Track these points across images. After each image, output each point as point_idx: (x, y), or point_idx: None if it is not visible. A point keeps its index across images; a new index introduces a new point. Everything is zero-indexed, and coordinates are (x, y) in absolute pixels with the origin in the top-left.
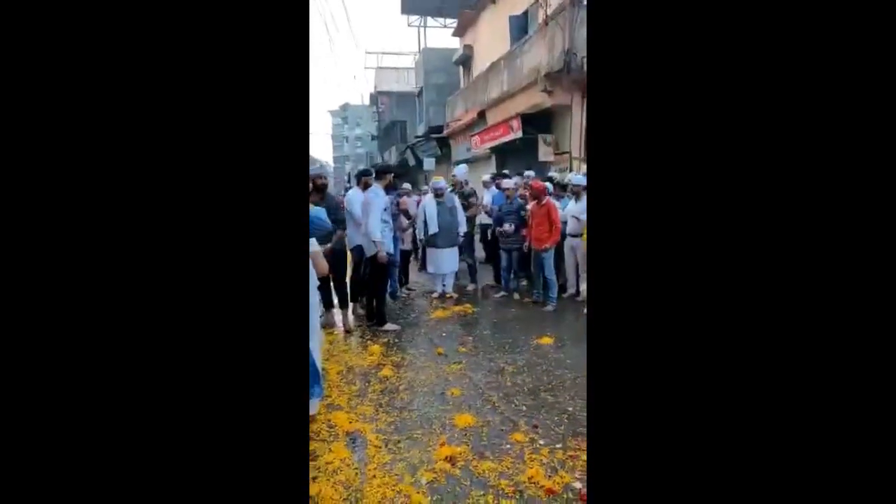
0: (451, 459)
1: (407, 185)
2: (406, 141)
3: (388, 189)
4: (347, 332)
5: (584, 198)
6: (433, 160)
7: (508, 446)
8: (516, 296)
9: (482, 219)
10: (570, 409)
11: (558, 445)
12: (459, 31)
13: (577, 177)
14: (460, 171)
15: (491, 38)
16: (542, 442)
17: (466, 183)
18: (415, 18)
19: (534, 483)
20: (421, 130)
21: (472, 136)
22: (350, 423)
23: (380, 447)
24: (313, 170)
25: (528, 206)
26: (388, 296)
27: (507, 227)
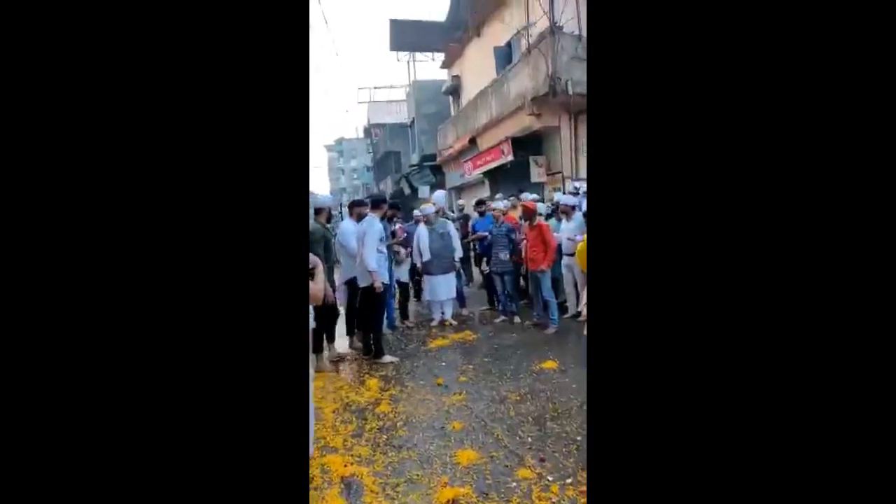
0: (453, 502)
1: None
2: (401, 170)
3: (385, 219)
4: (335, 361)
5: (574, 216)
6: (427, 188)
7: (514, 484)
8: (517, 319)
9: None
10: (579, 438)
11: (568, 480)
12: (447, 64)
13: (564, 196)
14: (438, 197)
15: (478, 68)
16: (550, 478)
17: (441, 214)
18: (404, 54)
19: None
20: (415, 159)
21: (465, 161)
22: (345, 466)
23: (377, 493)
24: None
25: (522, 228)
26: (385, 327)
27: (503, 255)
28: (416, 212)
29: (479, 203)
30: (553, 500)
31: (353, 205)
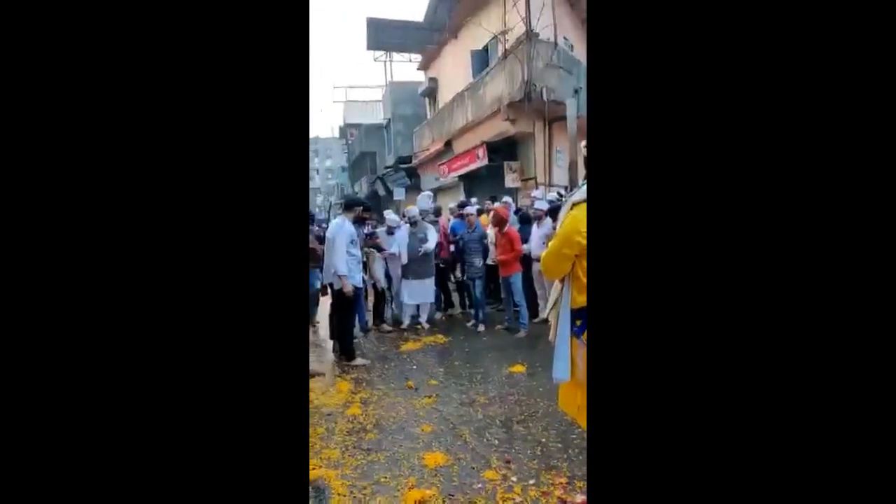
0: None
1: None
2: (376, 171)
3: (358, 222)
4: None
5: (545, 222)
6: (403, 190)
7: (480, 485)
8: (481, 327)
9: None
10: (543, 440)
11: (531, 482)
12: (424, 65)
13: (539, 201)
14: (422, 200)
15: (454, 71)
16: (514, 479)
17: (430, 212)
18: (380, 54)
19: None
20: (390, 161)
21: (441, 164)
22: (313, 469)
23: (345, 495)
24: None
25: (491, 233)
26: (357, 330)
27: (476, 260)
28: (387, 216)
29: (461, 205)
30: (516, 500)
31: (351, 205)
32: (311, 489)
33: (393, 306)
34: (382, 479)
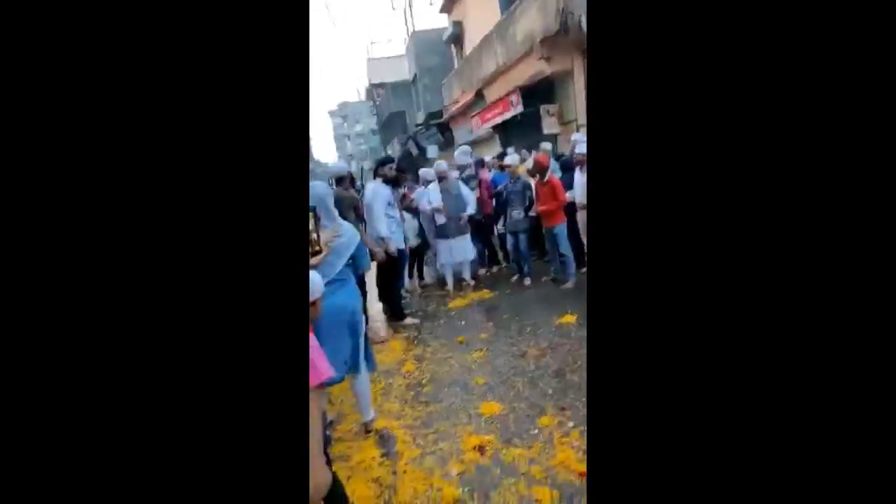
0: (480, 449)
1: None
2: (407, 131)
3: (392, 182)
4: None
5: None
6: (436, 147)
7: (537, 431)
8: (527, 281)
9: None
10: None
11: None
12: (447, 7)
13: (581, 144)
14: (462, 154)
15: (480, 10)
16: (571, 424)
17: (470, 166)
18: (399, 1)
19: (565, 467)
20: (420, 118)
21: (473, 116)
22: (378, 422)
23: (408, 442)
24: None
25: (533, 183)
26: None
27: (517, 213)
28: (422, 172)
29: (500, 156)
30: (574, 444)
31: (380, 165)
32: (377, 436)
33: (437, 266)
34: (442, 428)
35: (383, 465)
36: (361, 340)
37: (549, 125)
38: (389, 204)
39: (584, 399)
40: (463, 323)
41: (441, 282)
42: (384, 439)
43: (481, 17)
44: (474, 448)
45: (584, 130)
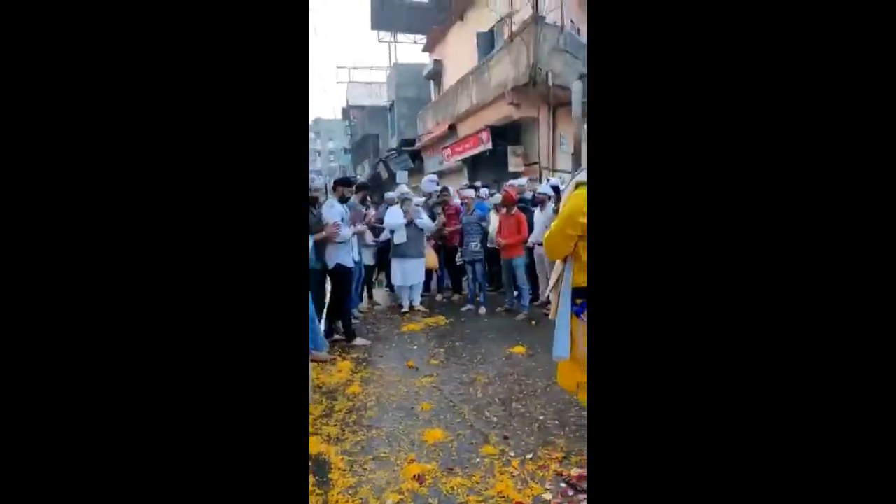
0: (419, 478)
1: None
2: (378, 154)
3: (344, 201)
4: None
5: (548, 206)
6: (406, 173)
7: (479, 460)
8: (482, 309)
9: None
10: (541, 417)
11: (529, 456)
12: (429, 47)
13: (543, 186)
14: (428, 183)
15: (460, 53)
16: (512, 454)
17: (436, 194)
18: (385, 34)
19: (503, 497)
20: (393, 143)
21: (444, 148)
22: (313, 446)
23: (345, 470)
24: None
25: (494, 215)
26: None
27: (474, 244)
28: (387, 195)
29: (472, 188)
30: (514, 473)
31: (337, 184)
32: (311, 463)
33: (395, 287)
34: (382, 455)
35: (314, 496)
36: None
37: (515, 164)
38: (343, 220)
39: (527, 428)
40: (415, 347)
41: (397, 305)
42: (318, 465)
43: (460, 60)
44: (413, 477)
45: (546, 173)
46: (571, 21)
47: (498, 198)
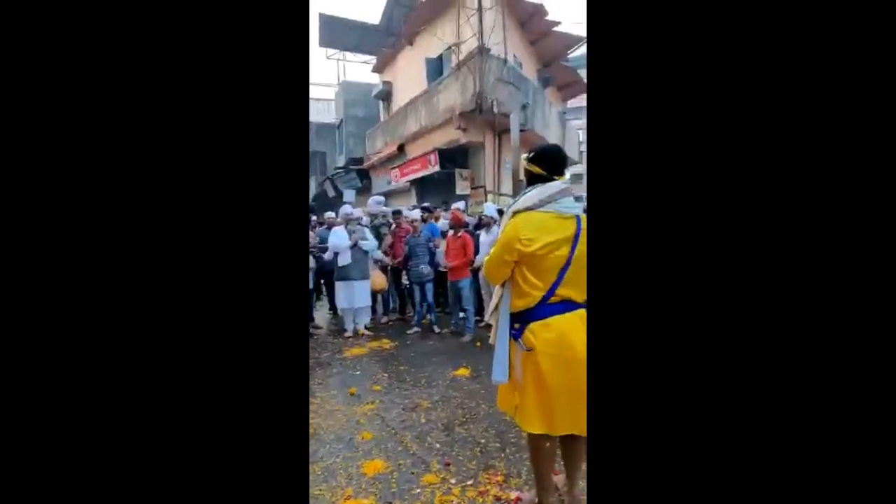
0: None
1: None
2: (326, 172)
3: None
4: None
5: (493, 228)
6: (353, 192)
7: (419, 490)
8: (435, 328)
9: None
10: (483, 441)
11: (469, 482)
12: (379, 68)
13: (489, 207)
14: (375, 203)
15: (409, 76)
16: (453, 481)
17: (382, 214)
18: (333, 52)
19: None
20: (341, 162)
21: (393, 168)
22: None
23: None
24: None
25: (438, 237)
26: None
27: (422, 266)
28: (328, 214)
29: (425, 209)
30: (454, 502)
31: None
32: None
33: (339, 310)
34: (317, 492)
35: None
36: None
37: (462, 187)
38: None
39: (468, 453)
40: (358, 373)
41: (340, 329)
42: None
43: (409, 83)
44: None
45: (491, 197)
46: (514, 55)
47: (416, 213)
